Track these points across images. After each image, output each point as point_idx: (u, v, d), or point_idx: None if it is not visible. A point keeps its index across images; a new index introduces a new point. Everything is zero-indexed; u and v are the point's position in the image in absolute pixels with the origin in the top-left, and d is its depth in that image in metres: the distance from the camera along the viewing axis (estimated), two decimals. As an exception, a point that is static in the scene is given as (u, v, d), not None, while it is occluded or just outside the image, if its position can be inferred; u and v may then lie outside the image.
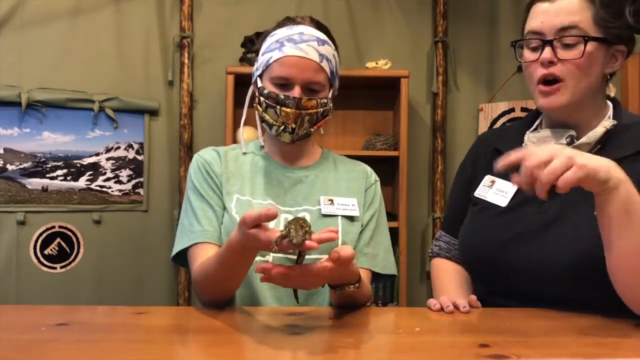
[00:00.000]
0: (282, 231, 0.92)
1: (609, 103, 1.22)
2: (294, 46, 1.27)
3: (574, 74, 1.13)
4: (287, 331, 0.99)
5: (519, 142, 1.24)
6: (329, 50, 1.31)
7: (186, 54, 2.82)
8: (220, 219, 1.31)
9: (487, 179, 1.27)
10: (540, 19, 1.15)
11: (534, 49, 1.16)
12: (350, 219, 1.33)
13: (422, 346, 0.92)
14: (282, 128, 1.30)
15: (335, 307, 1.27)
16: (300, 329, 1.01)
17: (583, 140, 1.15)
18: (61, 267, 2.70)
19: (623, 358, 0.85)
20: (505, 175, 1.21)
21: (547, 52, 1.13)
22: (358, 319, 1.09)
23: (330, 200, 1.34)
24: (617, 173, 0.93)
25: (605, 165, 0.93)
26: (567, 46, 1.12)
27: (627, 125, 1.17)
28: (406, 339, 0.98)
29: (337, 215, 1.32)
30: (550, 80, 1.15)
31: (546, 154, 0.91)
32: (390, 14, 3.00)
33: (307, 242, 0.89)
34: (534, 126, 1.27)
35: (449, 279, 1.35)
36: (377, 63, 2.81)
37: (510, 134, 1.31)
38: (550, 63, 1.13)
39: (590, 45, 1.12)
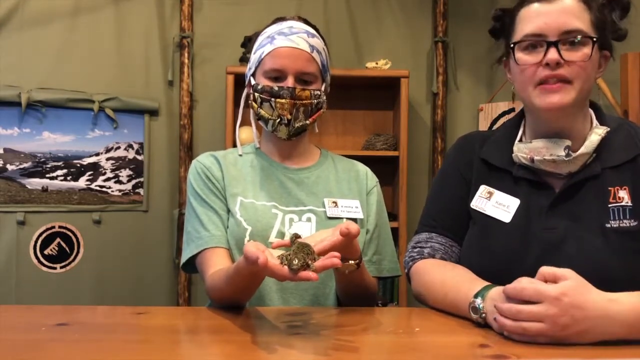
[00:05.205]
0: (279, 256, 0.93)
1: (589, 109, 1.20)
2: (285, 38, 1.31)
3: (580, 75, 1.09)
4: (288, 331, 0.99)
5: (507, 153, 1.20)
6: (318, 42, 1.34)
7: (186, 54, 2.82)
8: (226, 222, 1.31)
9: (484, 189, 1.21)
10: (541, 20, 1.10)
11: (532, 51, 1.12)
12: (355, 221, 1.33)
13: (422, 346, 0.92)
14: (278, 121, 1.31)
15: (341, 296, 1.28)
16: (301, 329, 1.01)
17: (582, 150, 1.11)
18: (61, 267, 2.70)
19: (623, 358, 0.85)
20: (504, 187, 1.19)
21: (553, 53, 1.08)
22: (358, 319, 1.09)
23: (334, 202, 1.35)
24: None
25: None
26: (572, 48, 1.09)
27: (615, 130, 1.15)
28: (406, 339, 0.98)
29: (342, 218, 1.32)
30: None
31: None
32: (390, 14, 3.00)
33: (304, 273, 0.89)
34: (518, 136, 1.22)
35: (466, 271, 1.12)
36: (377, 63, 2.81)
37: (495, 144, 1.25)
38: (557, 64, 1.09)
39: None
